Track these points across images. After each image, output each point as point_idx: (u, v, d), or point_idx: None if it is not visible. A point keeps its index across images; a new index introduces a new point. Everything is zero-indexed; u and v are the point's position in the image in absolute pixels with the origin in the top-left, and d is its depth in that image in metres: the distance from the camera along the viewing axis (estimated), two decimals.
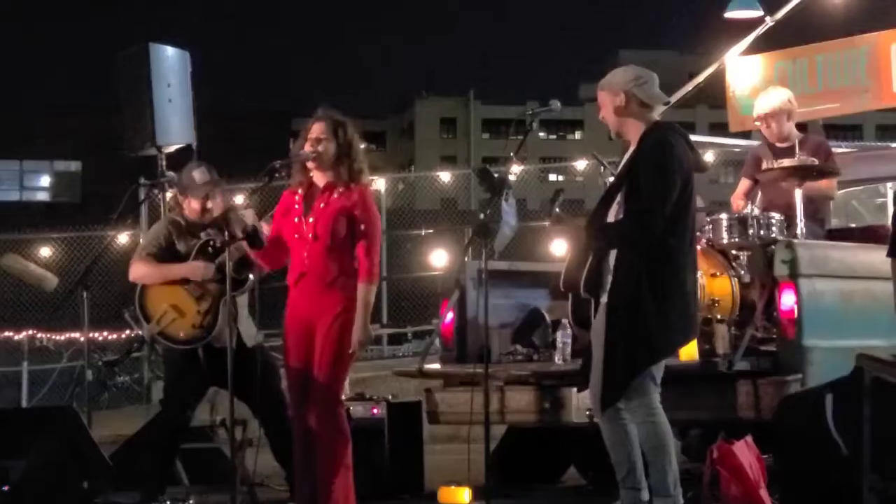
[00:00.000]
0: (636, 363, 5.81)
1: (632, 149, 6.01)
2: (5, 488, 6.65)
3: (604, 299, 5.94)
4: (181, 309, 7.15)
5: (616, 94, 6.00)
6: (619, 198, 5.93)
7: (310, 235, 6.26)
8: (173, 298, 7.17)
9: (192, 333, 7.15)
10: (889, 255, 5.74)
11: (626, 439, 5.93)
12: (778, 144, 8.03)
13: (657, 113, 6.08)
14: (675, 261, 5.87)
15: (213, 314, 7.09)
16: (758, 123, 8.11)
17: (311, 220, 6.29)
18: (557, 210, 6.04)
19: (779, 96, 8.05)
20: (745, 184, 8.10)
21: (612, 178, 6.23)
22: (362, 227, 6.27)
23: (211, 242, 7.04)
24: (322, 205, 6.28)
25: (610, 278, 5.89)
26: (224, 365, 6.75)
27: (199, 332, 7.13)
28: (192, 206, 7.25)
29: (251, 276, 7.06)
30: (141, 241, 7.54)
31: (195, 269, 7.14)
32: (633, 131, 6.00)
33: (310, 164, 6.30)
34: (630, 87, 5.99)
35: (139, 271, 7.26)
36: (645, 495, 5.97)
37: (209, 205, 7.20)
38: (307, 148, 6.30)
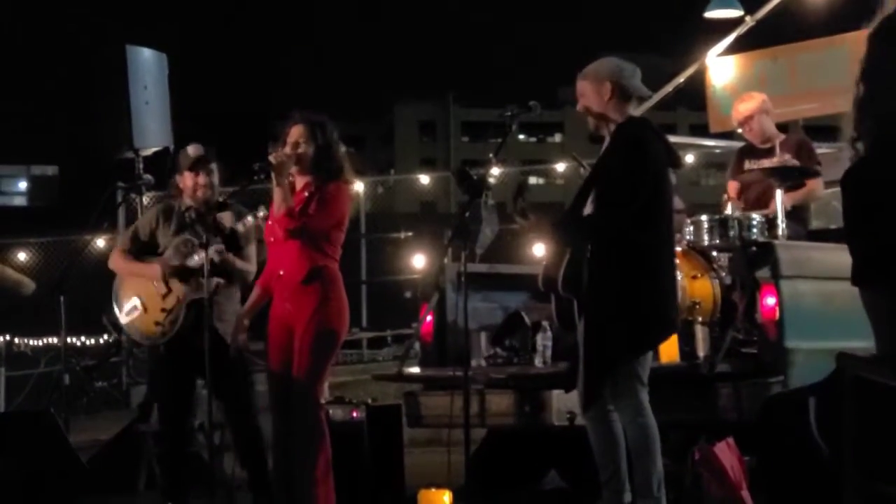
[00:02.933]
0: (613, 360, 5.79)
1: (606, 143, 5.99)
2: None
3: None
4: (147, 305, 7.04)
5: (601, 83, 5.92)
6: (592, 195, 5.91)
7: (280, 235, 6.22)
8: (143, 293, 7.07)
9: (153, 331, 7.03)
10: (854, 283, 5.68)
11: (611, 440, 5.92)
12: (760, 146, 8.04)
13: (634, 108, 6.06)
14: (649, 258, 5.84)
15: (175, 314, 6.96)
16: (740, 130, 8.14)
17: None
18: (523, 204, 5.98)
19: (753, 100, 8.11)
20: (733, 185, 8.10)
21: None
22: (320, 199, 6.23)
23: (189, 242, 6.96)
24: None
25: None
26: (199, 362, 6.75)
27: (159, 331, 7.00)
28: (185, 182, 7.09)
29: (217, 282, 6.90)
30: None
31: (152, 269, 7.03)
32: (610, 124, 5.96)
33: (291, 169, 6.27)
34: (616, 78, 5.93)
35: (112, 262, 7.24)
36: (628, 497, 5.95)
37: (201, 181, 7.04)
38: (288, 150, 6.26)
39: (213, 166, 7.11)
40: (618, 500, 5.94)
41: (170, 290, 7.00)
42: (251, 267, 7.00)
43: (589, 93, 5.96)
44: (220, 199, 6.78)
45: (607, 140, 5.98)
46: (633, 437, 5.87)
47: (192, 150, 7.16)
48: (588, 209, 5.94)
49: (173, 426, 7.11)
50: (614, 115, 5.94)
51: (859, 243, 5.35)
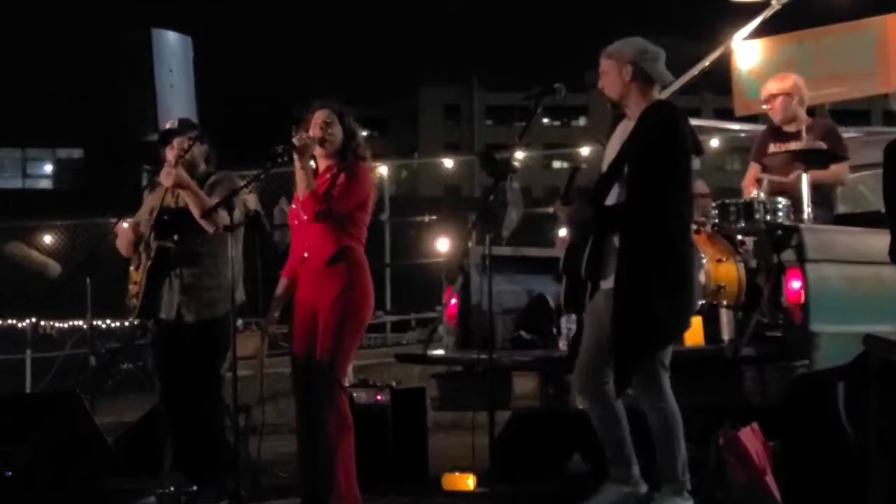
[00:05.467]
0: (645, 348, 5.80)
1: (629, 124, 5.97)
2: (8, 473, 6.64)
3: (606, 284, 5.91)
4: (133, 279, 7.04)
5: (623, 64, 5.95)
6: (621, 176, 5.88)
7: (304, 217, 6.23)
8: (131, 269, 7.12)
9: (130, 305, 7.05)
10: (892, 258, 5.67)
11: (613, 418, 5.98)
12: (784, 128, 8.00)
13: (659, 91, 6.05)
14: (678, 244, 5.85)
15: (141, 286, 6.91)
16: (765, 106, 8.10)
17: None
18: (572, 192, 5.96)
19: (787, 79, 8.06)
20: (753, 168, 8.06)
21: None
22: (343, 181, 6.21)
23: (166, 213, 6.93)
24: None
25: (612, 261, 5.85)
26: (169, 340, 6.80)
27: (132, 304, 6.97)
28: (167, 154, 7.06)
29: (170, 245, 6.88)
30: None
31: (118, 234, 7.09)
32: (634, 106, 5.96)
33: (317, 150, 6.27)
34: (638, 60, 5.95)
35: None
36: (636, 471, 6.01)
37: (170, 155, 6.97)
38: (316, 133, 6.26)
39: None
40: (626, 475, 5.98)
41: (139, 263, 6.99)
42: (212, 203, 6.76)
43: (611, 72, 5.98)
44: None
45: (631, 122, 5.96)
46: (656, 422, 5.88)
47: (168, 124, 7.26)
48: (615, 191, 5.92)
49: (169, 404, 7.06)
50: (635, 98, 5.95)
51: None
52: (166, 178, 6.81)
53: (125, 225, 7.10)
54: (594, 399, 5.99)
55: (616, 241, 5.86)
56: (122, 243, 7.05)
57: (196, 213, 6.75)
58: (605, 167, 6.01)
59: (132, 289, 6.98)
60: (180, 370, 6.89)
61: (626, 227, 5.82)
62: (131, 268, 7.01)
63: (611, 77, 5.98)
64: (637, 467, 5.99)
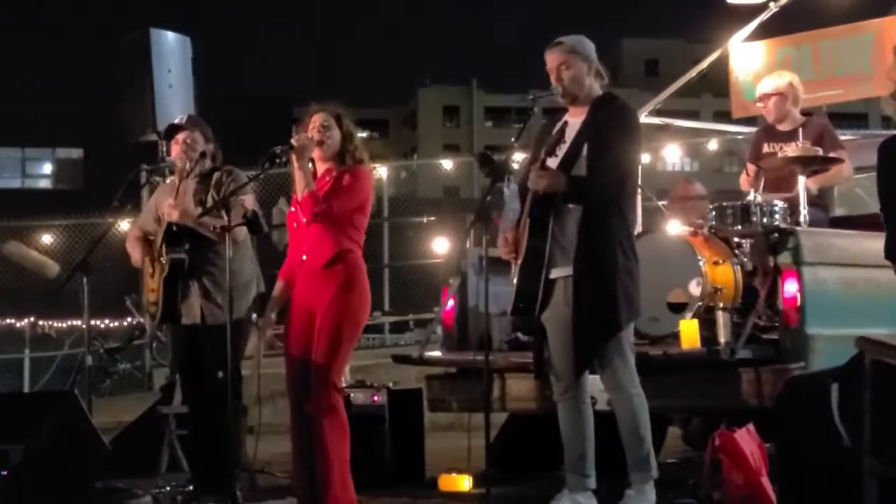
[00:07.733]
0: (610, 328, 5.88)
1: (574, 121, 6.07)
2: (4, 472, 6.64)
3: (559, 272, 5.95)
4: (147, 284, 7.14)
5: (590, 63, 6.10)
6: (580, 160, 5.92)
7: (303, 220, 6.24)
8: (146, 274, 7.18)
9: (152, 311, 7.14)
10: (888, 256, 5.69)
11: (583, 426, 6.04)
12: (779, 127, 8.03)
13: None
14: (631, 228, 6.04)
15: (159, 294, 7.00)
16: (759, 104, 8.12)
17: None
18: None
19: (782, 78, 8.09)
20: (752, 168, 8.08)
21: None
22: (343, 183, 6.23)
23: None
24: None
25: (563, 250, 5.91)
26: (188, 343, 6.91)
27: (153, 310, 7.09)
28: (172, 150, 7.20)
29: (183, 256, 6.97)
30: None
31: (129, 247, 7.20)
32: (585, 102, 6.07)
33: (315, 153, 6.28)
34: (594, 57, 6.13)
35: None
36: (593, 483, 6.06)
37: (175, 150, 7.12)
38: (314, 135, 6.27)
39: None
40: (583, 485, 6.04)
41: (154, 269, 7.07)
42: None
43: (578, 66, 6.07)
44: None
45: (576, 118, 6.07)
46: (627, 411, 5.95)
47: (178, 120, 7.38)
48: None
49: (190, 407, 7.23)
50: (590, 94, 6.09)
51: (893, 216, 5.36)
52: (171, 212, 6.91)
53: (136, 235, 7.18)
54: (571, 404, 6.07)
55: (566, 226, 5.92)
56: (133, 254, 7.15)
57: (212, 237, 6.86)
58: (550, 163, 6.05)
59: (150, 296, 7.09)
60: (201, 372, 6.97)
61: (588, 212, 5.88)
62: (147, 274, 7.11)
63: (577, 72, 6.08)
64: (594, 480, 6.07)
